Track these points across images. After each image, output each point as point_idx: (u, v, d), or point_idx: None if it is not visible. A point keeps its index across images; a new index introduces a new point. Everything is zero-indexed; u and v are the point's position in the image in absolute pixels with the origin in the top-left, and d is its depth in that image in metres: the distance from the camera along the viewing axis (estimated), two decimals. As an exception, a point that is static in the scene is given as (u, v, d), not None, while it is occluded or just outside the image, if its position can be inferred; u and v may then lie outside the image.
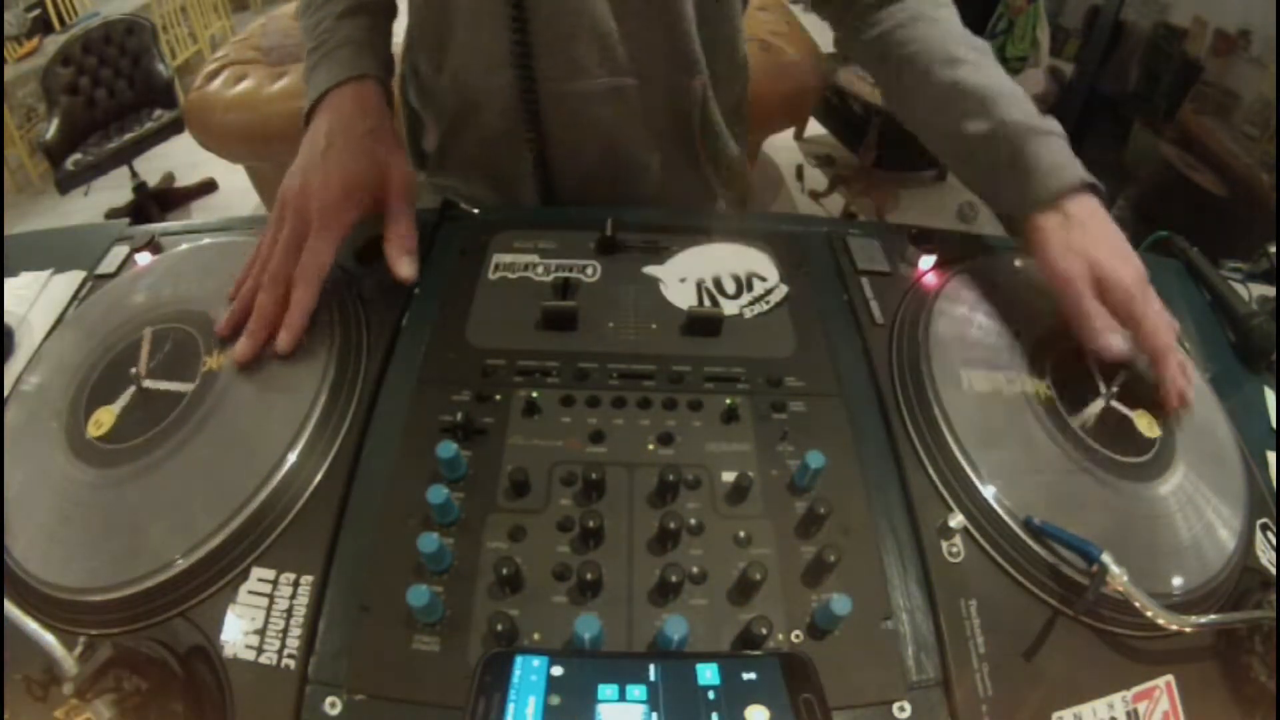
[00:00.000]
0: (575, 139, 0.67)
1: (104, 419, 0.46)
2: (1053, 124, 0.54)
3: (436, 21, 0.65)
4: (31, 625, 0.34)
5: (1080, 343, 0.49)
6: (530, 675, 0.32)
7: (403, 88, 0.76)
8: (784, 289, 0.56)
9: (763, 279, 0.57)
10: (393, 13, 0.68)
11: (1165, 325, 0.48)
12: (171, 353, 0.49)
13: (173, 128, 2.57)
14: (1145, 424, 0.48)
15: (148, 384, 0.47)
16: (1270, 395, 0.57)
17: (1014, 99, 0.55)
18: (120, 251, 0.61)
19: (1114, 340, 0.47)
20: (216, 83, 2.08)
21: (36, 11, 3.22)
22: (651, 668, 0.32)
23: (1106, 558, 0.38)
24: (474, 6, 0.60)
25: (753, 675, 0.32)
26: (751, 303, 0.55)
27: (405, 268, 0.53)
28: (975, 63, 0.57)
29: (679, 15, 0.62)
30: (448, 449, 0.41)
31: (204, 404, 0.46)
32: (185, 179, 2.97)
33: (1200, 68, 1.94)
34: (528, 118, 0.65)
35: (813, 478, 0.42)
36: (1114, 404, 0.48)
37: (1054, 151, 0.52)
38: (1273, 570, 0.44)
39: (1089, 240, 0.49)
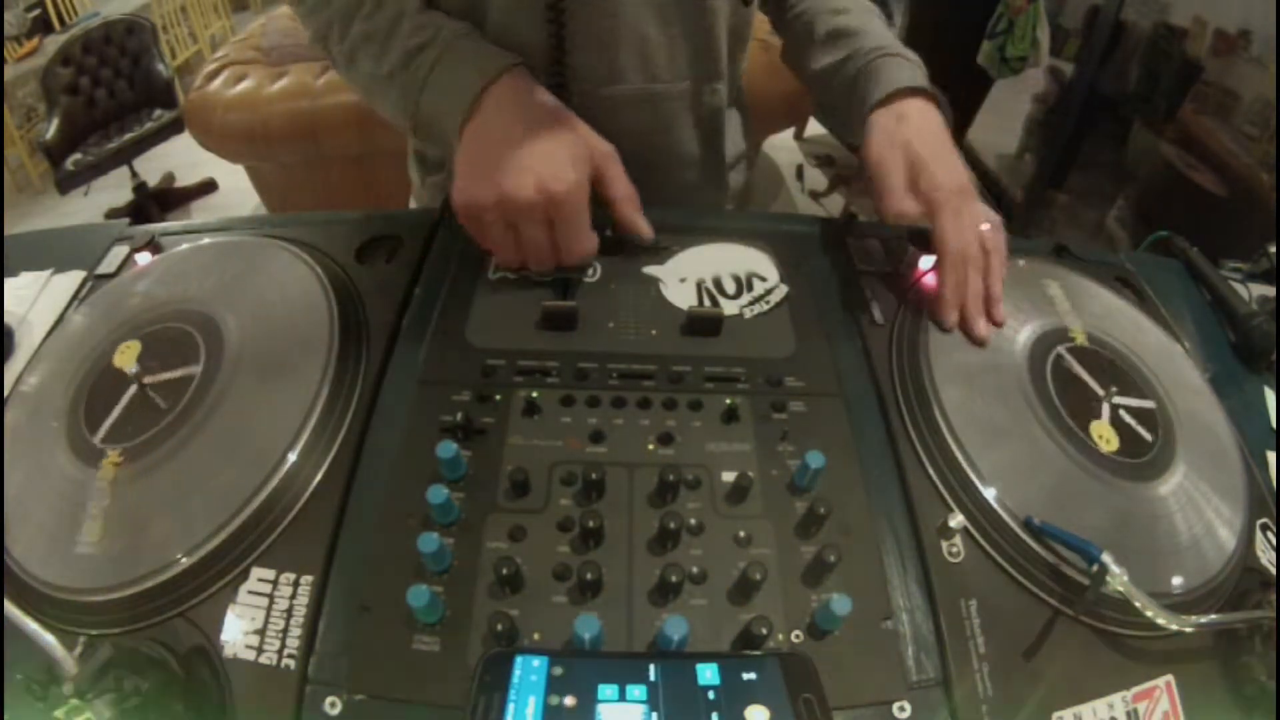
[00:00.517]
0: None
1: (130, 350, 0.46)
2: (906, 51, 0.60)
3: (466, 20, 0.63)
4: (31, 625, 0.34)
5: (880, 215, 0.54)
6: (530, 675, 0.32)
7: None
8: (784, 289, 0.56)
9: (763, 279, 0.57)
10: None
11: (958, 226, 0.51)
12: (171, 352, 0.49)
13: (173, 128, 2.57)
14: (1102, 435, 0.47)
15: (148, 381, 0.47)
16: (1270, 395, 0.57)
17: (876, 35, 0.62)
18: (120, 251, 0.61)
19: (904, 204, 0.52)
20: (216, 83, 2.08)
21: (36, 11, 3.22)
22: (651, 668, 0.32)
23: (1106, 558, 0.38)
24: (510, 6, 0.58)
25: (753, 675, 0.32)
26: (751, 303, 0.55)
27: (645, 227, 0.54)
28: (853, 12, 0.65)
29: (713, 21, 0.62)
30: (448, 449, 0.41)
31: (204, 403, 0.46)
32: (185, 179, 2.97)
33: (1200, 68, 1.94)
34: None
35: (813, 478, 0.42)
36: (1113, 404, 0.48)
37: (895, 66, 0.58)
38: (1273, 570, 0.44)
39: (911, 133, 0.54)
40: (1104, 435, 0.46)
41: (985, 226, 0.53)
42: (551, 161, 0.50)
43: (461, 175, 0.52)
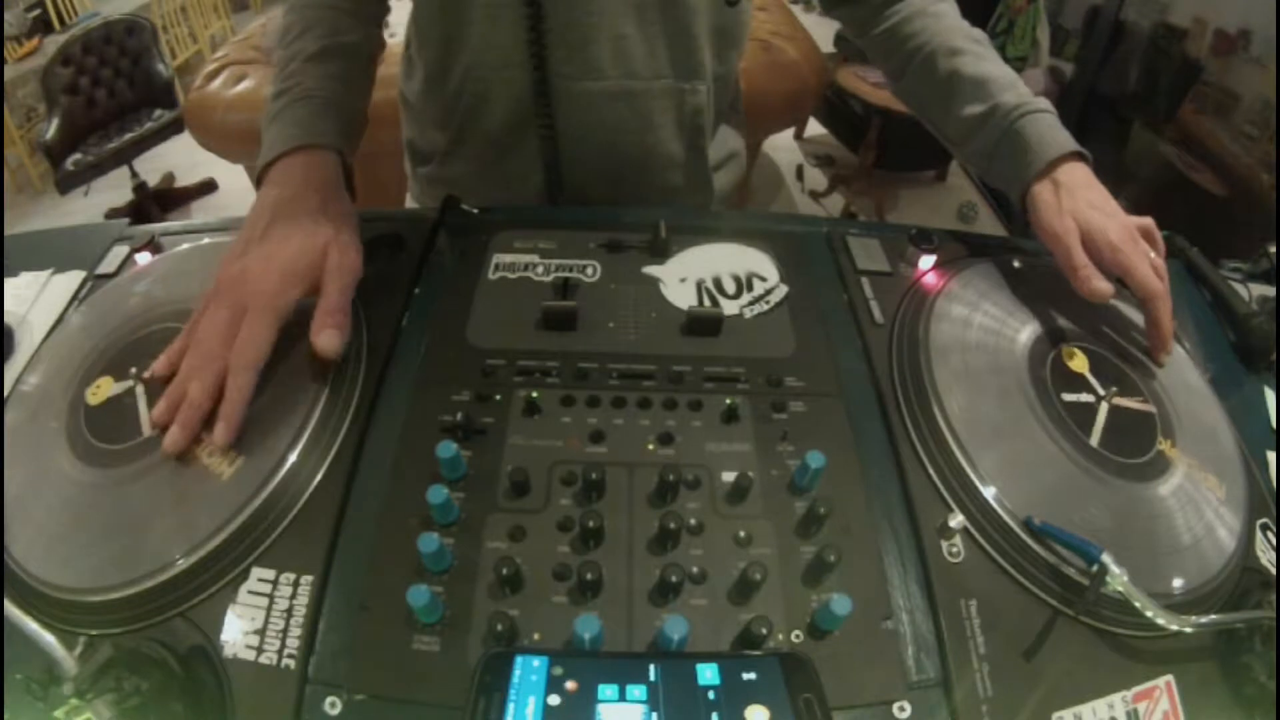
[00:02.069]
0: (586, 136, 0.67)
1: (103, 387, 0.46)
2: (1043, 103, 0.59)
3: (446, 19, 0.64)
4: (31, 625, 0.34)
5: (1077, 291, 0.53)
6: (530, 675, 0.32)
7: (404, 84, 0.76)
8: (784, 289, 0.56)
9: (763, 279, 0.57)
10: (375, 47, 0.65)
11: (1152, 272, 0.51)
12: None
13: (173, 128, 2.57)
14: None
15: (148, 378, 0.47)
16: (1270, 395, 0.57)
17: (1007, 84, 0.60)
18: (120, 251, 0.61)
19: (1099, 284, 0.51)
20: (216, 83, 2.08)
21: (36, 11, 3.22)
22: (651, 668, 0.32)
23: (1106, 558, 0.38)
24: (490, 3, 0.60)
25: (753, 675, 0.32)
26: (751, 303, 0.55)
27: (325, 339, 0.46)
28: (974, 53, 0.63)
29: (692, 20, 0.62)
30: (448, 449, 0.41)
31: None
32: (185, 179, 2.98)
33: (1200, 68, 1.94)
34: (540, 114, 0.65)
35: (813, 478, 0.42)
36: (1113, 404, 0.48)
37: (1043, 126, 0.57)
38: (1273, 570, 0.44)
39: (1078, 202, 0.54)
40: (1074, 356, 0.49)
41: (1156, 259, 0.53)
42: (264, 258, 0.47)
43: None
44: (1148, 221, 0.55)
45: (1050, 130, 0.57)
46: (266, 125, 0.56)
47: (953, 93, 0.62)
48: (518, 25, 0.60)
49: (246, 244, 0.48)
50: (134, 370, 0.48)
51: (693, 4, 0.61)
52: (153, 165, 2.81)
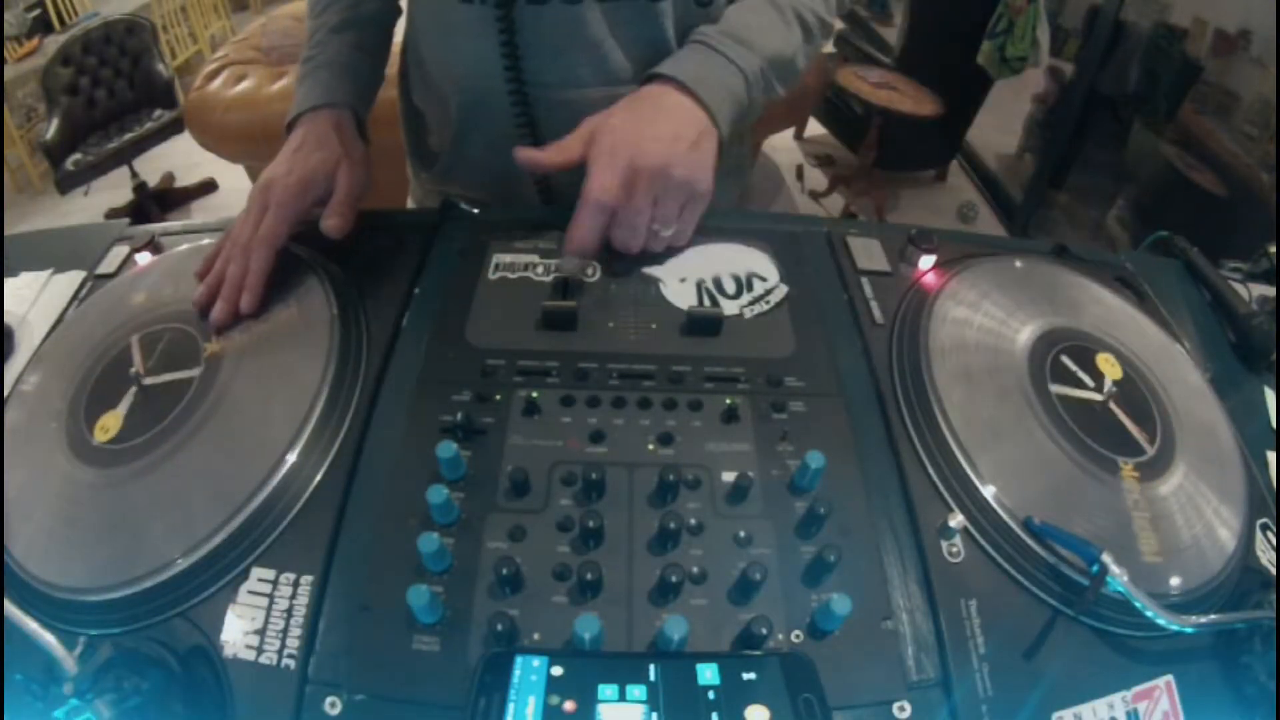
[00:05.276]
0: None
1: (110, 424, 0.46)
2: (711, 37, 0.58)
3: (431, 27, 0.65)
4: (31, 625, 0.34)
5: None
6: (530, 675, 0.32)
7: (404, 85, 0.76)
8: (784, 289, 0.56)
9: (763, 279, 0.57)
10: (391, 17, 0.70)
11: (599, 182, 0.52)
12: (171, 352, 0.49)
13: (173, 128, 2.57)
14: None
15: (148, 382, 0.47)
16: (1270, 395, 0.57)
17: (726, 21, 0.60)
18: (120, 251, 0.61)
19: (531, 153, 0.56)
20: (216, 83, 2.08)
21: (36, 11, 3.21)
22: (651, 668, 0.32)
23: (1106, 558, 0.38)
24: (465, 14, 0.61)
25: (753, 675, 0.32)
26: (751, 303, 0.55)
27: (331, 224, 0.56)
28: (750, 5, 0.62)
29: (663, 24, 0.62)
30: (448, 449, 0.41)
31: (204, 404, 0.46)
32: (185, 179, 2.97)
33: (1200, 68, 1.94)
34: (524, 122, 0.65)
35: (813, 478, 0.42)
36: (1112, 404, 0.48)
37: (682, 52, 0.59)
38: (1273, 570, 0.44)
39: (623, 105, 0.56)
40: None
41: (633, 180, 0.53)
42: (288, 167, 0.56)
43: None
44: (699, 187, 0.55)
45: (677, 57, 0.58)
46: (298, 83, 0.65)
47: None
48: (489, 37, 0.60)
49: (273, 167, 0.57)
50: (133, 370, 0.48)
51: (662, 8, 0.61)
52: (153, 165, 2.81)
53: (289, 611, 0.38)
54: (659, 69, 0.58)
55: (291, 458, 0.43)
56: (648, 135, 0.53)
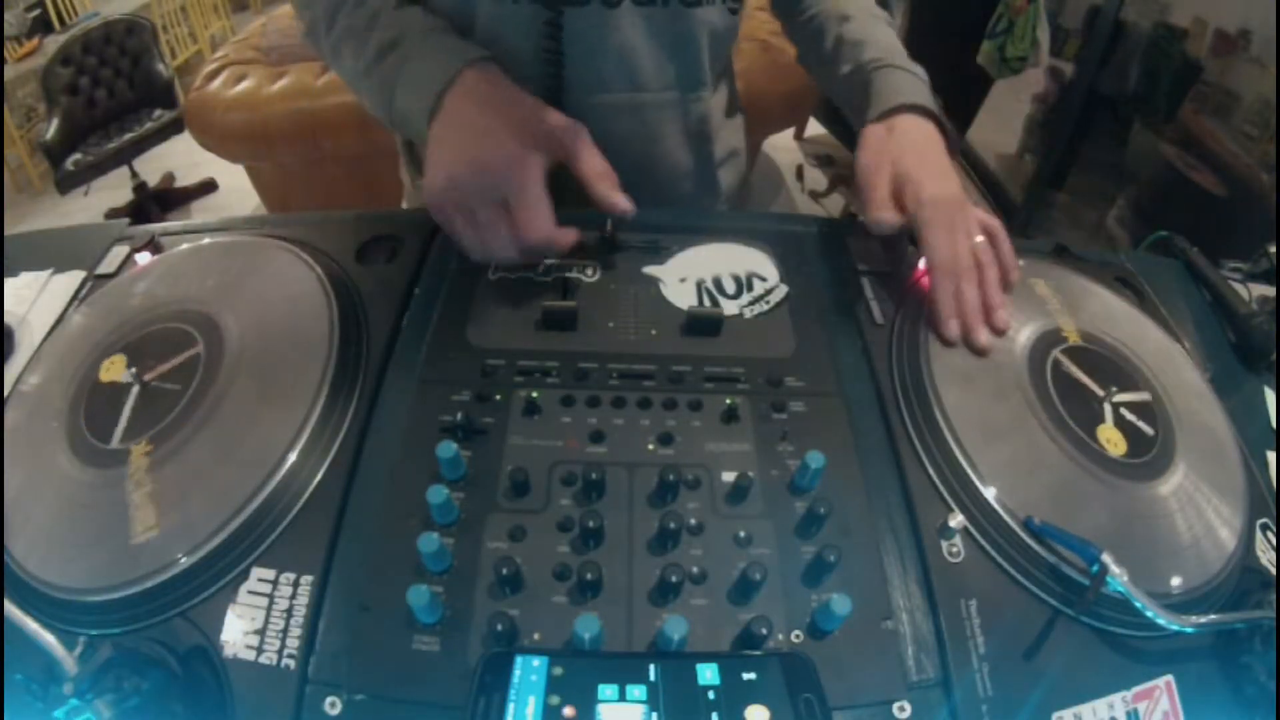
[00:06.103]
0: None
1: (116, 364, 0.45)
2: (902, 60, 0.62)
3: (458, 23, 0.62)
4: (31, 625, 0.34)
5: (866, 221, 0.55)
6: (530, 675, 0.32)
7: None
8: (784, 289, 0.56)
9: (763, 279, 0.57)
10: None
11: (950, 244, 0.51)
12: (171, 352, 0.49)
13: (173, 128, 2.57)
14: (1109, 440, 0.47)
15: (148, 379, 0.47)
16: (1270, 395, 0.57)
17: (879, 46, 0.63)
18: (120, 251, 0.61)
19: (885, 214, 0.53)
20: (216, 83, 2.08)
21: (36, 11, 3.22)
22: (651, 668, 0.32)
23: (1106, 558, 0.38)
24: (500, 16, 0.58)
25: (753, 675, 0.32)
26: (751, 303, 0.55)
27: (622, 202, 0.53)
28: (857, 19, 0.66)
29: (700, 33, 0.62)
30: (448, 449, 0.41)
31: (204, 404, 0.46)
32: (185, 179, 2.97)
33: (1200, 68, 1.93)
34: None
35: (813, 478, 0.42)
36: (1112, 404, 0.48)
37: (895, 80, 0.60)
38: (1273, 570, 0.44)
39: (901, 146, 0.56)
40: (1111, 439, 0.46)
41: (979, 239, 0.53)
42: (495, 140, 0.51)
43: (427, 172, 0.53)
44: (993, 223, 0.54)
45: (899, 82, 0.59)
46: (402, 72, 0.55)
47: (835, 55, 0.65)
48: (528, 39, 0.59)
49: (455, 150, 0.52)
50: (134, 370, 0.48)
51: (700, 14, 0.61)
52: (153, 165, 2.81)
53: (289, 611, 0.38)
54: (910, 100, 0.58)
55: (292, 458, 0.43)
56: (958, 196, 0.54)
